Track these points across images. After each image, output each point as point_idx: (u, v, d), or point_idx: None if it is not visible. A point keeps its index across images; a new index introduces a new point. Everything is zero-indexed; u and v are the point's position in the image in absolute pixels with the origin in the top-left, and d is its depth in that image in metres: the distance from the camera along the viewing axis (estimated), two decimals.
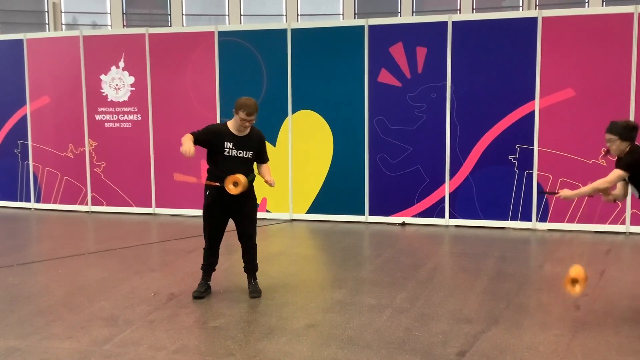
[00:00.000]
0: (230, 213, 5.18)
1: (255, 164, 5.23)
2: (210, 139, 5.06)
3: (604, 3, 21.75)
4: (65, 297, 5.29)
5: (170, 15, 25.05)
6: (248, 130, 5.07)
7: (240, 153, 5.03)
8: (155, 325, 4.58)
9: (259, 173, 5.26)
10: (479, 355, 3.98)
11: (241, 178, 4.91)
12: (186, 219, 8.96)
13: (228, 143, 5.01)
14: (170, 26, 23.89)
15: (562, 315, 4.78)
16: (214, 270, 5.34)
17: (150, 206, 9.37)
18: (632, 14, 7.47)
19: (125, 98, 9.31)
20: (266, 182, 5.14)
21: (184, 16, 25.04)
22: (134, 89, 9.26)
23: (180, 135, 9.07)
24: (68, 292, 5.41)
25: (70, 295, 5.32)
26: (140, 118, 9.28)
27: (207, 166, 5.27)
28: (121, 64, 9.26)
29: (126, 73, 9.26)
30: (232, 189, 4.92)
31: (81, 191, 9.61)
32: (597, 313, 4.78)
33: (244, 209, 5.17)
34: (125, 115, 9.34)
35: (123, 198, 9.45)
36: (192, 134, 5.07)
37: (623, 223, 7.69)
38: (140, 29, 9.34)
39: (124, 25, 24.84)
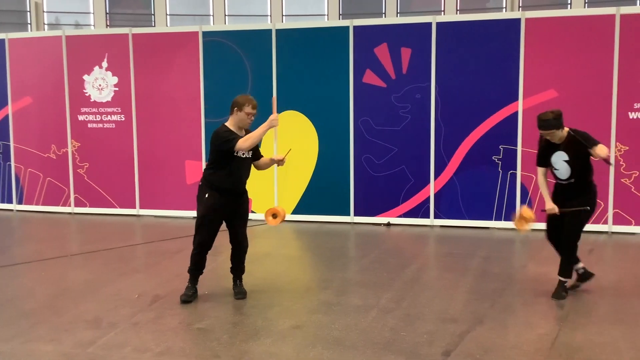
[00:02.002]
0: (227, 216, 5.10)
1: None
2: (227, 144, 4.90)
3: (586, 4, 21.97)
4: (49, 299, 5.23)
5: (154, 15, 24.91)
6: (246, 128, 5.06)
7: (244, 154, 5.00)
8: (140, 328, 4.54)
9: (261, 167, 5.24)
10: (464, 354, 4.00)
11: (281, 210, 5.12)
12: (170, 220, 8.92)
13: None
14: (154, 26, 23.76)
15: (546, 314, 4.82)
16: (202, 274, 5.25)
17: (134, 207, 9.31)
18: (613, 15, 7.55)
19: (109, 98, 9.24)
20: (278, 161, 5.16)
21: (167, 16, 24.91)
22: (117, 89, 9.20)
23: (164, 136, 9.08)
24: (52, 295, 5.35)
25: (54, 298, 5.27)
26: (123, 119, 9.22)
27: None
28: (104, 64, 9.20)
29: (109, 73, 9.19)
30: (271, 221, 5.08)
31: (64, 192, 9.52)
32: (581, 312, 4.83)
33: (241, 212, 5.14)
34: (109, 116, 9.28)
35: (106, 199, 9.38)
36: (231, 143, 4.84)
37: (605, 223, 7.77)
38: (124, 29, 9.28)
39: (107, 25, 24.65)
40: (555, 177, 5.15)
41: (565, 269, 5.15)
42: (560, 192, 5.14)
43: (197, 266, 5.15)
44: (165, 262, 6.54)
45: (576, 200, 5.06)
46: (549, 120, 4.91)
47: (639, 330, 4.39)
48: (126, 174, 9.28)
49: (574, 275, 5.29)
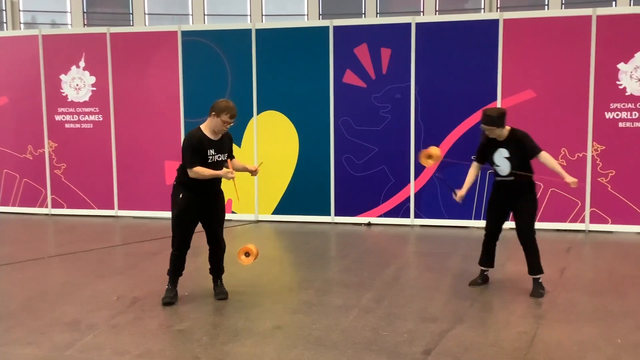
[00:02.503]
0: (202, 216, 5.08)
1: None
2: (199, 152, 4.89)
3: (563, 6, 22.24)
4: (25, 302, 5.15)
5: (132, 14, 24.71)
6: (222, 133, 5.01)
7: (219, 157, 4.97)
8: (119, 330, 4.50)
9: (235, 168, 5.11)
10: (444, 353, 4.02)
11: (253, 249, 5.00)
12: (150, 221, 8.84)
13: (210, 150, 4.92)
14: (132, 25, 23.56)
15: (525, 312, 4.86)
16: (181, 275, 5.21)
17: (113, 208, 9.22)
18: (590, 17, 7.65)
19: (86, 98, 9.14)
20: (252, 171, 5.10)
21: (146, 15, 24.72)
22: (95, 89, 9.10)
23: (143, 136, 9.00)
24: (29, 297, 5.28)
25: (31, 300, 5.19)
26: (101, 118, 9.13)
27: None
28: (82, 63, 9.09)
29: (87, 73, 9.09)
30: (244, 260, 4.99)
31: (41, 193, 9.39)
32: (559, 310, 4.88)
33: (216, 212, 5.12)
34: (86, 116, 9.17)
35: (84, 200, 9.27)
36: (191, 164, 4.85)
37: (583, 221, 7.87)
38: (102, 28, 9.19)
39: (84, 25, 24.39)
40: (496, 174, 5.30)
41: (535, 266, 5.26)
42: (501, 188, 5.31)
43: (176, 267, 5.11)
44: (144, 263, 6.48)
45: (519, 197, 5.23)
46: (493, 117, 5.08)
47: (616, 328, 4.45)
48: (104, 174, 9.18)
49: (488, 270, 5.63)
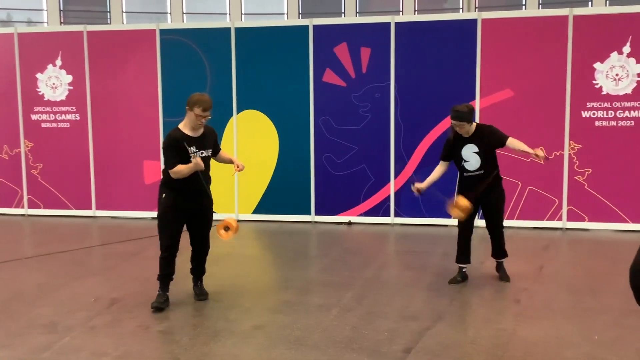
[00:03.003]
0: (188, 217, 4.96)
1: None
2: (178, 152, 4.77)
3: (540, 6, 22.47)
4: (1, 303, 5.07)
5: (109, 12, 24.45)
6: (202, 128, 4.88)
7: (202, 153, 4.86)
8: (97, 331, 4.45)
9: (220, 161, 5.10)
10: (425, 351, 4.04)
11: (233, 223, 4.85)
12: (128, 221, 8.76)
13: (191, 147, 4.79)
14: (110, 24, 23.33)
15: (503, 310, 4.90)
16: (172, 280, 5.03)
17: (90, 208, 9.12)
18: (567, 17, 7.74)
19: (63, 97, 9.03)
20: (237, 166, 4.94)
21: (124, 14, 24.48)
22: (71, 87, 8.99)
23: (121, 135, 8.92)
24: (5, 299, 5.19)
25: (8, 302, 5.11)
26: (78, 118, 9.02)
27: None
28: (58, 62, 8.98)
29: (63, 71, 8.98)
30: (223, 234, 4.84)
31: (17, 194, 9.25)
32: (537, 307, 4.93)
33: (203, 213, 5.01)
34: (63, 115, 9.06)
35: (61, 200, 9.16)
36: (169, 165, 4.77)
37: (560, 219, 7.96)
38: (78, 27, 9.08)
39: (61, 23, 24.08)
40: (465, 170, 5.43)
41: (502, 251, 5.64)
42: (470, 183, 5.42)
43: (165, 271, 4.94)
44: (122, 264, 6.42)
45: (488, 191, 5.40)
46: (463, 112, 5.24)
47: (593, 324, 4.50)
48: (82, 174, 9.08)
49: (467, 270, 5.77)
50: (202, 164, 4.72)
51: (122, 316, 4.76)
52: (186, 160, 4.75)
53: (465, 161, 5.38)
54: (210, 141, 4.98)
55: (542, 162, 5.50)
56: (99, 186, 9.08)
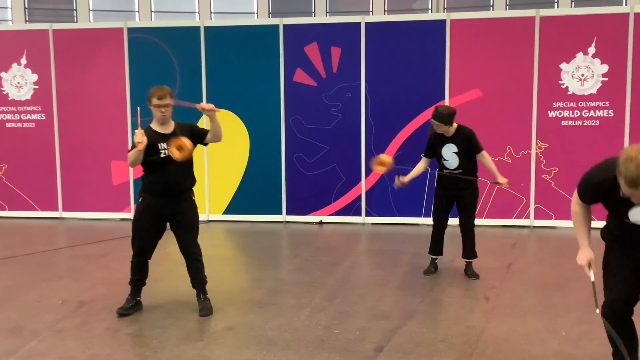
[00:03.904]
0: (166, 222, 4.77)
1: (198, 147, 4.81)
2: (149, 149, 4.56)
3: (507, 7, 22.79)
4: None
5: (75, 10, 24.05)
6: (171, 123, 4.69)
7: (206, 110, 4.68)
8: (64, 335, 4.37)
9: (215, 135, 4.83)
10: (396, 349, 4.06)
11: (187, 142, 4.49)
12: (96, 223, 8.63)
13: (161, 144, 4.62)
14: (76, 22, 22.95)
15: (473, 307, 4.95)
16: (144, 284, 4.92)
17: (57, 210, 8.95)
18: (534, 17, 7.86)
19: (28, 97, 8.84)
20: (208, 111, 4.65)
21: (90, 12, 24.10)
22: (37, 87, 8.81)
23: (88, 135, 8.77)
24: None
25: None
26: (44, 117, 8.85)
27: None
28: (23, 60, 8.79)
29: (29, 70, 8.80)
30: (175, 154, 4.47)
31: None
32: (506, 304, 4.99)
33: (183, 218, 4.73)
34: (28, 115, 8.88)
35: (27, 202, 8.97)
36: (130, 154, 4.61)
37: (528, 217, 8.08)
38: (44, 25, 8.89)
39: (26, 21, 23.60)
40: (444, 167, 5.59)
41: (472, 251, 5.76)
42: (448, 181, 5.58)
43: (134, 275, 4.83)
44: (90, 266, 6.31)
45: (463, 190, 5.56)
46: (443, 114, 5.39)
47: (560, 321, 4.58)
48: (48, 175, 8.91)
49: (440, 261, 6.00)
50: (142, 138, 4.45)
51: (90, 319, 4.68)
52: (150, 155, 4.57)
53: (445, 159, 5.54)
54: (186, 136, 4.63)
55: (505, 186, 5.79)
56: (65, 187, 8.92)
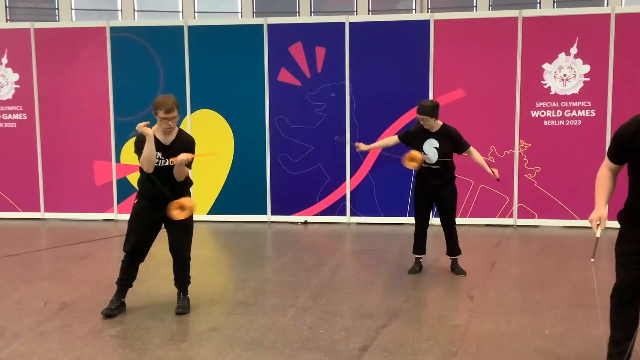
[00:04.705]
0: (162, 223, 4.76)
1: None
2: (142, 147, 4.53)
3: (490, 7, 22.93)
4: None
5: (57, 9, 23.82)
6: (174, 133, 4.62)
7: (165, 162, 4.57)
8: (47, 337, 4.32)
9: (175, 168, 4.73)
10: (381, 349, 4.06)
11: (187, 202, 4.55)
12: (78, 223, 8.55)
13: (158, 152, 4.53)
14: (58, 21, 22.73)
15: (457, 306, 4.98)
16: (131, 286, 4.90)
17: (39, 210, 8.86)
18: (516, 18, 7.92)
19: (9, 96, 8.74)
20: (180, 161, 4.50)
21: (73, 10, 23.88)
22: (18, 86, 8.72)
23: (71, 135, 8.69)
24: None
25: None
26: (25, 117, 8.75)
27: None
28: (4, 60, 8.70)
29: (10, 70, 8.70)
30: (177, 214, 4.52)
31: None
32: (490, 303, 5.02)
33: (175, 220, 4.64)
34: (9, 115, 8.78)
35: (8, 202, 8.87)
36: (140, 156, 4.56)
37: (511, 216, 8.14)
38: (25, 24, 8.80)
39: (7, 20, 23.33)
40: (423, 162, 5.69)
41: (456, 249, 5.87)
42: (425, 174, 5.70)
43: (123, 276, 4.80)
44: (72, 267, 6.25)
45: (442, 188, 5.66)
46: (427, 107, 5.52)
47: (543, 319, 4.62)
48: (29, 175, 8.81)
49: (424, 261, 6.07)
50: (148, 131, 4.46)
51: (73, 321, 4.64)
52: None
53: (424, 153, 5.63)
54: (177, 152, 4.58)
55: (497, 180, 5.77)
56: (47, 187, 8.83)
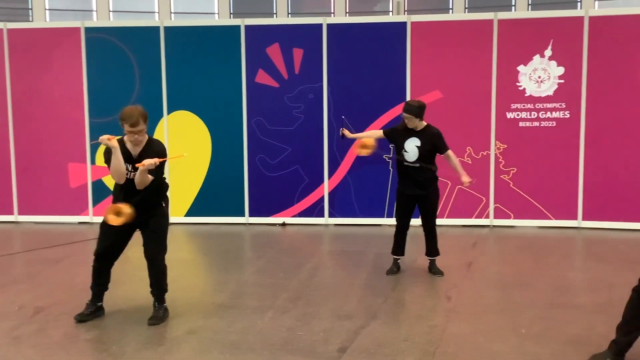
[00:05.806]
0: (135, 229, 4.65)
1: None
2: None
3: (466, 10, 23.14)
4: None
5: (31, 9, 23.49)
6: (142, 143, 4.50)
7: (133, 175, 4.46)
8: (21, 342, 4.25)
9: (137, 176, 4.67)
10: (359, 350, 4.07)
11: (125, 209, 4.37)
12: (53, 226, 8.43)
13: (128, 165, 4.42)
14: (32, 21, 22.41)
15: (435, 306, 5.01)
16: (106, 289, 4.81)
17: (12, 213, 8.71)
18: (492, 20, 8.00)
19: None
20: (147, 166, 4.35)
21: (47, 11, 23.56)
22: None
23: (45, 137, 8.57)
24: None
25: None
26: None
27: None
28: None
29: None
30: (112, 219, 4.36)
31: None
32: (467, 303, 5.06)
33: (147, 225, 4.62)
34: None
35: None
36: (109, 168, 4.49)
37: (487, 217, 8.21)
38: None
39: None
40: (403, 159, 5.75)
41: (435, 249, 5.94)
42: (405, 172, 5.76)
43: (95, 281, 4.71)
44: (47, 271, 6.16)
45: (424, 189, 5.72)
46: (413, 106, 5.66)
47: (521, 318, 4.66)
48: (2, 178, 8.67)
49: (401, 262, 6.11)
50: (113, 143, 4.36)
51: (48, 325, 4.57)
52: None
53: (406, 151, 5.71)
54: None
55: (467, 185, 5.90)
56: (21, 190, 8.68)
